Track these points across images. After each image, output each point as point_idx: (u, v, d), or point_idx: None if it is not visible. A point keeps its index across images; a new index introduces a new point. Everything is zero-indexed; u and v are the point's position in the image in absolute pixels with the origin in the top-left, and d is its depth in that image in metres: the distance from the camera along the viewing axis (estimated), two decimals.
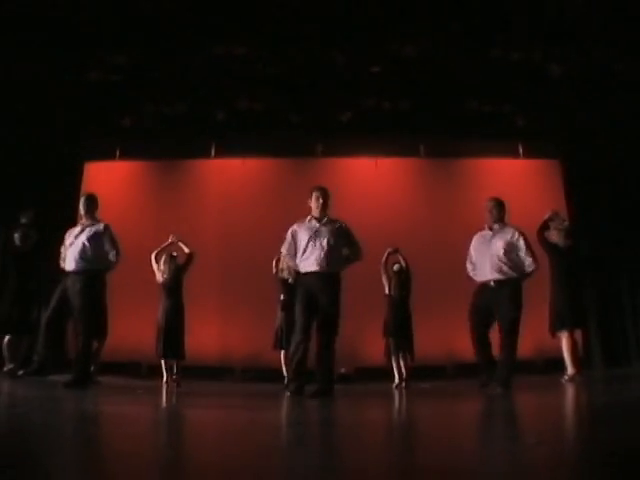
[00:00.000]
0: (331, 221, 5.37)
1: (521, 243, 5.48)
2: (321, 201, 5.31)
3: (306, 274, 5.21)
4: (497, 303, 5.35)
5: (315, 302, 5.12)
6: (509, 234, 5.53)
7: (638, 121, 8.14)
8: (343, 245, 5.32)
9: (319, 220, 5.32)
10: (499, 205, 5.69)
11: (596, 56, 7.44)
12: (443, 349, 8.31)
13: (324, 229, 5.28)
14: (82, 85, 7.93)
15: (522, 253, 5.46)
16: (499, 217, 5.64)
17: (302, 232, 5.29)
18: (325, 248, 5.18)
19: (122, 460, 2.19)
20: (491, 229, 5.64)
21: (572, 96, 8.18)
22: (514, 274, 5.40)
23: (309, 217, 5.37)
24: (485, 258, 5.50)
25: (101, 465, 2.07)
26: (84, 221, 5.94)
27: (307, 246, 5.22)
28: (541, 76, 7.76)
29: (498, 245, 5.48)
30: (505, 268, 5.41)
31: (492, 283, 5.42)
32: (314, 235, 5.24)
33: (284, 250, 5.43)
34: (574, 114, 8.48)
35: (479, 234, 5.74)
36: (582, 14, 6.73)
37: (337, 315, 5.13)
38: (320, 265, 5.15)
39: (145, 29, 7.10)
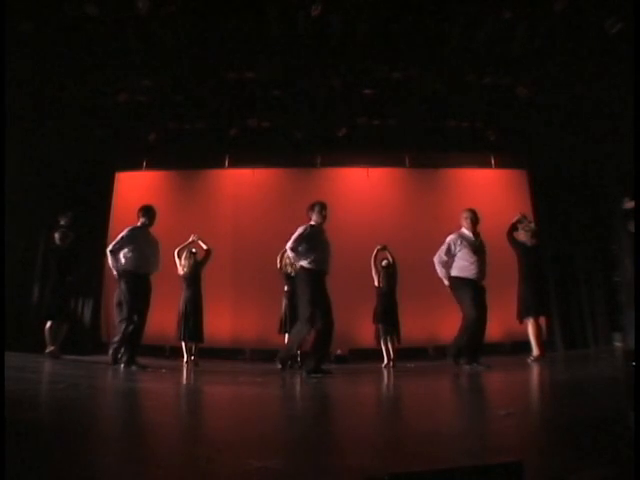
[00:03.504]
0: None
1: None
2: (325, 213, 5.39)
3: (324, 273, 5.26)
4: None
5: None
6: (485, 247, 5.77)
7: (594, 136, 8.15)
8: None
9: (322, 230, 5.44)
10: (476, 215, 5.82)
11: (558, 79, 7.43)
12: (425, 333, 8.31)
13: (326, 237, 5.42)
14: (113, 105, 7.92)
15: None
16: (477, 225, 5.79)
17: (321, 236, 5.36)
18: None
19: (149, 428, 2.20)
20: (474, 236, 5.74)
21: (536, 114, 8.18)
22: None
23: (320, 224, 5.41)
24: (480, 261, 5.61)
25: (131, 432, 2.07)
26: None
27: (326, 249, 5.31)
28: (510, 97, 7.76)
29: (485, 254, 5.67)
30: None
31: (482, 282, 5.59)
32: (327, 241, 5.34)
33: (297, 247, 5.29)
34: (538, 130, 8.48)
35: (464, 236, 5.74)
36: (544, 44, 6.73)
37: None
38: (329, 265, 5.30)
39: (167, 57, 7.09)
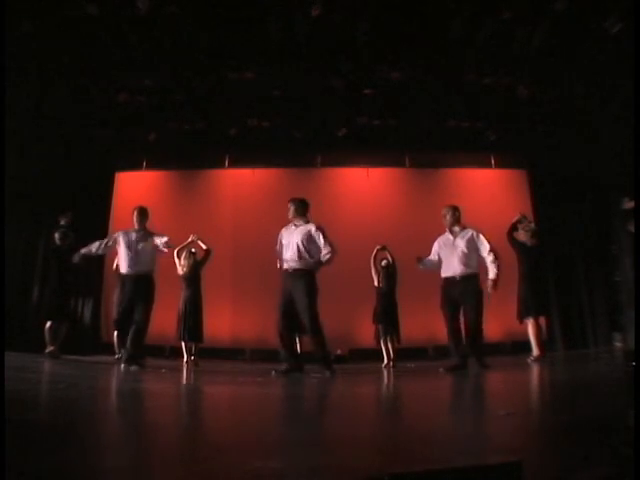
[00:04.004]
0: (302, 226, 5.32)
1: (479, 243, 5.52)
2: (292, 209, 5.39)
3: (284, 271, 5.23)
4: (463, 294, 5.38)
5: (289, 295, 5.14)
6: (469, 235, 5.57)
7: (594, 137, 8.16)
8: (312, 246, 5.20)
9: (296, 225, 5.35)
10: (452, 210, 5.71)
11: (558, 79, 7.43)
12: (425, 333, 8.30)
13: (296, 232, 5.28)
14: (113, 106, 7.92)
15: (482, 252, 5.50)
16: (453, 221, 5.65)
17: (285, 235, 5.35)
18: (295, 249, 5.17)
19: (149, 428, 2.20)
20: (452, 232, 5.65)
21: (537, 114, 8.18)
22: (475, 270, 5.46)
23: (290, 223, 5.42)
24: (452, 257, 5.50)
25: (131, 432, 2.07)
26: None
27: (286, 247, 5.24)
28: (510, 97, 7.76)
29: (461, 245, 5.50)
30: (468, 264, 5.45)
31: (458, 278, 5.43)
32: (290, 238, 5.27)
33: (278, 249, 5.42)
34: (539, 130, 8.48)
35: (442, 236, 5.74)
36: (544, 44, 6.73)
37: (309, 306, 5.03)
38: (289, 264, 5.17)
39: (167, 57, 7.09)
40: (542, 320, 6.52)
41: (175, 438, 1.96)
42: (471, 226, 5.72)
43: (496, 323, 8.06)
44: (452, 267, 5.48)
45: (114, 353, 6.76)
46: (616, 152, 7.48)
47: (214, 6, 6.18)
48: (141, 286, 5.73)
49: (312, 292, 5.10)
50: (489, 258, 5.42)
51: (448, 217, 5.67)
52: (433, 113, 8.24)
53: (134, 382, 4.38)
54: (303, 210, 5.40)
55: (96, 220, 8.63)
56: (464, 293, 5.38)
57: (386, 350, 6.64)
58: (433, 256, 5.72)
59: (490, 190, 9.26)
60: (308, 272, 5.15)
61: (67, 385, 3.67)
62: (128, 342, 5.55)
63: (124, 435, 2.01)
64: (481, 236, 5.54)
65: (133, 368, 5.32)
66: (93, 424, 2.22)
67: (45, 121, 8.05)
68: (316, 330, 5.05)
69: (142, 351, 5.69)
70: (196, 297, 6.94)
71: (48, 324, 6.65)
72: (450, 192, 9.05)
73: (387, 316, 6.69)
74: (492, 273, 5.39)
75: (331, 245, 5.16)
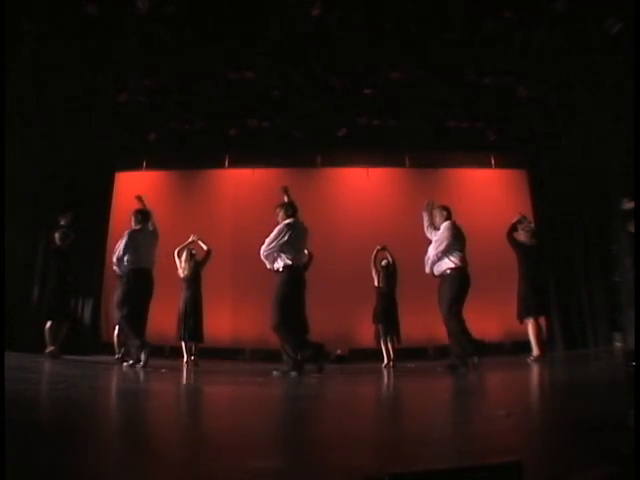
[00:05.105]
0: None
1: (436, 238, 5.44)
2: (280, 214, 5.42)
3: None
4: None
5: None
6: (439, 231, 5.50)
7: (594, 137, 8.16)
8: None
9: None
10: (439, 211, 5.65)
11: (558, 79, 7.43)
12: (425, 333, 8.30)
13: None
14: (114, 106, 7.92)
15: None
16: (441, 221, 5.56)
17: None
18: None
19: (149, 428, 2.20)
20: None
21: (537, 114, 8.18)
22: (447, 266, 5.34)
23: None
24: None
25: (131, 432, 2.07)
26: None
27: None
28: (510, 97, 7.76)
29: (433, 245, 5.48)
30: (438, 264, 5.41)
31: (435, 276, 5.48)
32: None
33: None
34: (538, 130, 8.48)
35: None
36: (544, 44, 6.72)
37: (277, 299, 5.03)
38: None
39: (168, 57, 7.09)
40: (542, 320, 6.51)
41: (175, 438, 1.96)
42: (450, 221, 5.57)
43: (496, 323, 8.07)
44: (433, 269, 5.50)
45: (114, 353, 6.76)
46: (616, 152, 7.47)
47: (213, 6, 6.18)
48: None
49: (286, 287, 5.08)
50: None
51: (437, 218, 5.64)
52: (433, 113, 8.24)
53: (134, 382, 4.38)
54: (293, 213, 5.38)
55: (96, 220, 8.63)
56: (439, 292, 5.40)
57: (386, 350, 6.64)
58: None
59: (490, 190, 9.27)
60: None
61: (67, 385, 3.67)
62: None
63: (124, 435, 2.01)
64: (443, 226, 5.46)
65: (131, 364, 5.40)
66: (93, 424, 2.22)
67: (45, 121, 8.04)
68: (278, 324, 5.00)
69: (133, 343, 5.63)
70: (196, 297, 6.94)
71: (48, 324, 6.65)
72: (450, 192, 9.05)
73: (387, 316, 6.69)
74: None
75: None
